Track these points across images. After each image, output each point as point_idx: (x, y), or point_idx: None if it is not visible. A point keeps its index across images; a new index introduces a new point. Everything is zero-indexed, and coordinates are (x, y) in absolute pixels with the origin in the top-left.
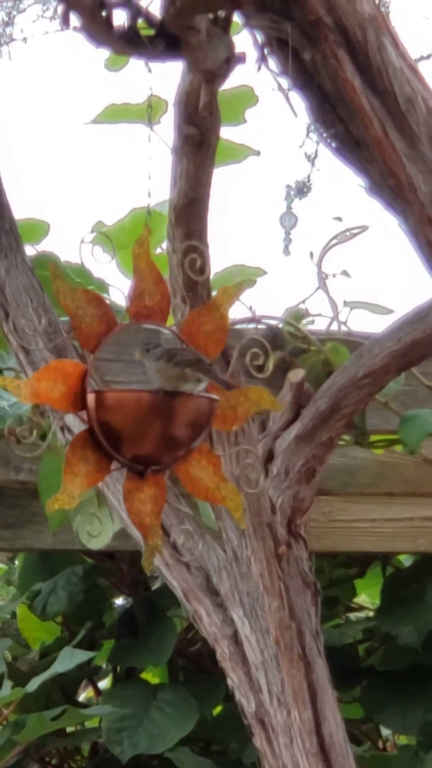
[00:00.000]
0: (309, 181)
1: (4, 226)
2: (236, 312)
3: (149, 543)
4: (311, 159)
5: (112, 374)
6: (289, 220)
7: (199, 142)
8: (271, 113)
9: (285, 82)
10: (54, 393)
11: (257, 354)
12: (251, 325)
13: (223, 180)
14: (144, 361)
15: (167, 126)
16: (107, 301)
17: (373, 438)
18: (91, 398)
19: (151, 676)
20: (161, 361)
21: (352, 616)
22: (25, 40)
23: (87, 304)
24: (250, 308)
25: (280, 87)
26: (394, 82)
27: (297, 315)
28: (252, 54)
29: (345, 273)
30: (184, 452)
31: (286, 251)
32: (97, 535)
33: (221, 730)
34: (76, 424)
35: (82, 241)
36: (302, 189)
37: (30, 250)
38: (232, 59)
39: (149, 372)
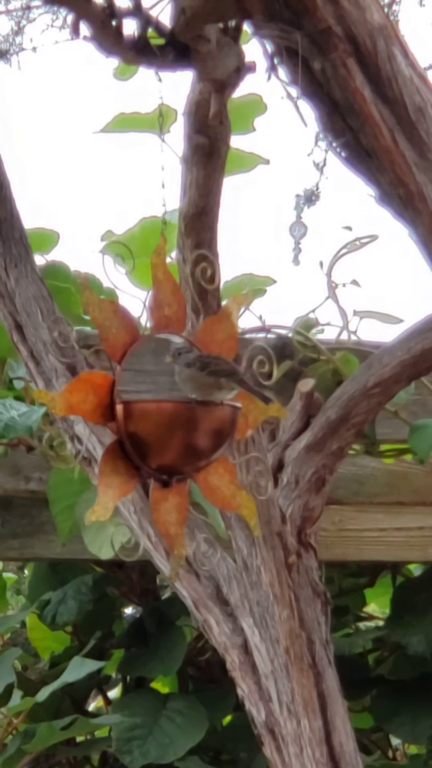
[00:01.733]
0: (317, 189)
1: (14, 235)
2: (246, 321)
3: (174, 553)
4: (320, 168)
5: (130, 385)
6: (298, 230)
7: (209, 151)
8: (280, 122)
9: (294, 91)
10: (86, 405)
11: (263, 362)
12: (261, 335)
13: (232, 189)
14: (174, 366)
15: (177, 135)
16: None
17: (383, 447)
18: (119, 409)
19: (161, 686)
20: (194, 369)
21: (362, 625)
22: (34, 49)
23: (113, 315)
24: (260, 318)
25: (289, 96)
26: (403, 91)
27: (307, 324)
28: (262, 63)
29: (355, 282)
30: (207, 461)
31: (296, 261)
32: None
33: (231, 739)
34: (86, 433)
35: (101, 251)
36: (310, 198)
37: (40, 260)
38: (242, 68)
39: (178, 378)
